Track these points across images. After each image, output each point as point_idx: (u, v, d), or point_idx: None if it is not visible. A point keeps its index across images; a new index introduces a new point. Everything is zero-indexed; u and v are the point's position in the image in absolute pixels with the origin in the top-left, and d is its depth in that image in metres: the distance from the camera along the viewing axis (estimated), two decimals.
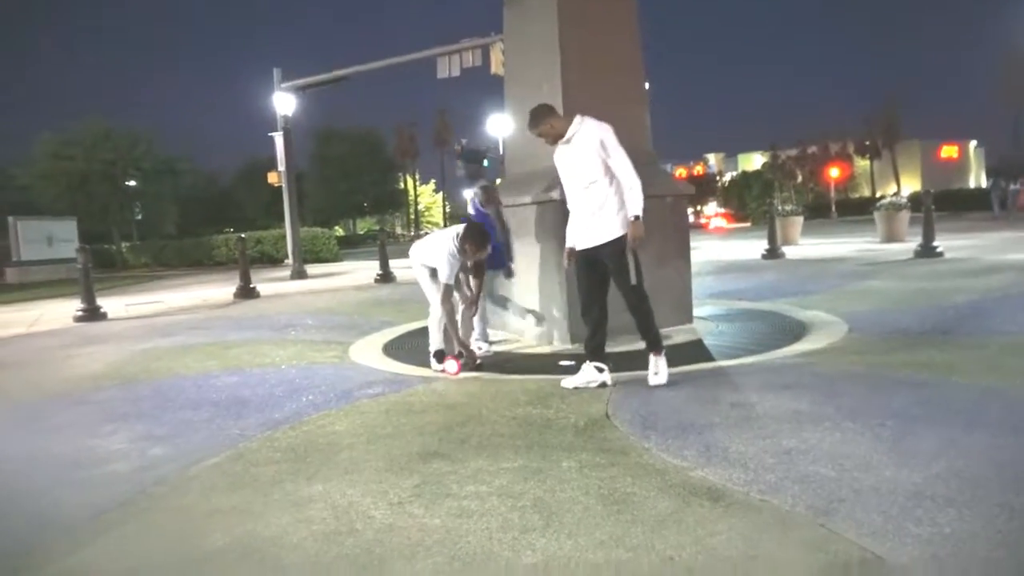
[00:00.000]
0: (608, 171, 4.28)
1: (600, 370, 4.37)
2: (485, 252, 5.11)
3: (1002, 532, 2.17)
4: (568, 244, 4.52)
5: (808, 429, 3.26)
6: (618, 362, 4.85)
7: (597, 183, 4.29)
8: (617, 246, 4.27)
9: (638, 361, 4.56)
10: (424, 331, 7.04)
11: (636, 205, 4.21)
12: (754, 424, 3.40)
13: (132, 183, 35.90)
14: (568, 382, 4.39)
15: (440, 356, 5.12)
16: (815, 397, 3.77)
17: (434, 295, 5.08)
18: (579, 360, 4.87)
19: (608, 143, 4.26)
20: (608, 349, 4.48)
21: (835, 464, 2.81)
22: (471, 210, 6.02)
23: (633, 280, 4.27)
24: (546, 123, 4.43)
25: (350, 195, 54.50)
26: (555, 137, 4.44)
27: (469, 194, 6.35)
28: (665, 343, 4.82)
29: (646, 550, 2.22)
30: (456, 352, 5.02)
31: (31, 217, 30.08)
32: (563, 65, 6.02)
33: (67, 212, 31.84)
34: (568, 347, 5.60)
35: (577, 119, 4.39)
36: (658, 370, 4.32)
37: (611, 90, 6.27)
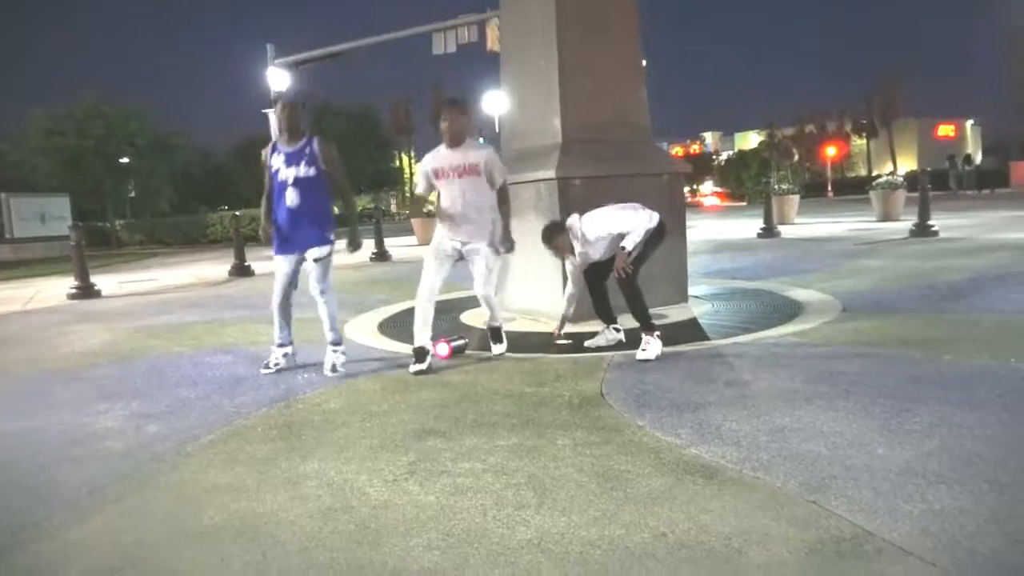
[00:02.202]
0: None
1: (617, 330, 4.83)
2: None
3: (991, 508, 2.20)
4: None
5: (801, 407, 3.28)
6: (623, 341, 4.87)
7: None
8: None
9: (635, 340, 4.57)
10: None
11: (630, 243, 4.39)
12: (748, 402, 3.42)
13: (125, 160, 35.59)
14: (592, 342, 4.82)
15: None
16: (809, 376, 3.79)
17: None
18: (576, 339, 4.91)
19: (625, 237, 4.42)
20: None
21: (828, 442, 2.83)
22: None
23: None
24: (557, 240, 4.60)
25: (345, 172, 54.17)
26: (567, 251, 4.65)
27: None
28: (660, 322, 4.85)
29: (639, 527, 2.24)
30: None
31: (24, 194, 29.87)
32: (560, 42, 5.96)
33: (60, 189, 31.60)
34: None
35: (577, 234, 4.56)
36: (646, 347, 4.41)
37: (608, 67, 6.22)
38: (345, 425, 3.49)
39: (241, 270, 12.62)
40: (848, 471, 2.54)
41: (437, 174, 4.51)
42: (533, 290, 6.02)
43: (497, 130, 21.65)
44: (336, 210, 4.79)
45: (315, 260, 4.51)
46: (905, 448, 2.72)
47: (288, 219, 4.47)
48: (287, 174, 4.43)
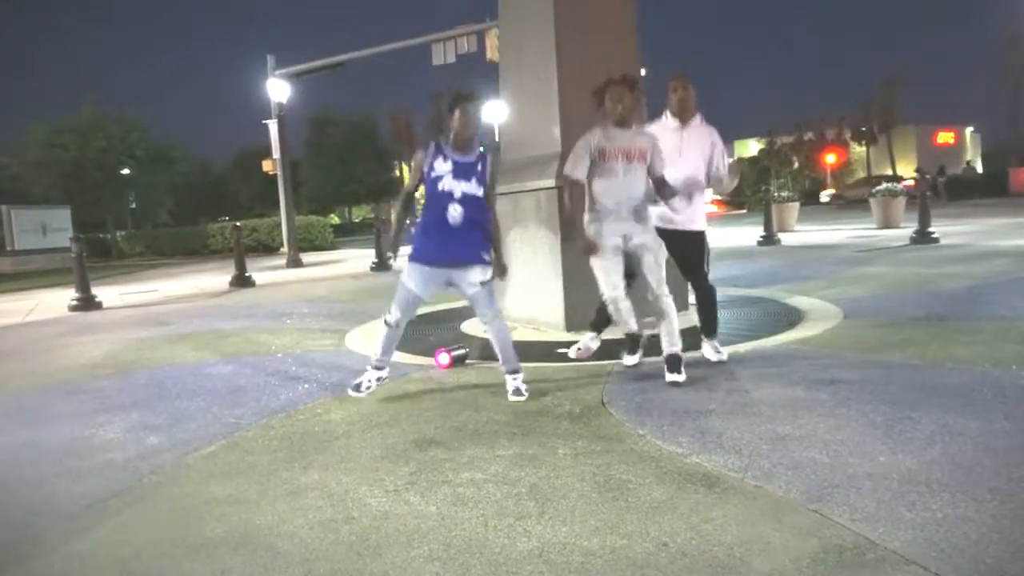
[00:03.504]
0: (704, 169, 4.37)
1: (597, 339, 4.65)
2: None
3: (994, 516, 2.19)
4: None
5: (803, 415, 3.27)
6: (617, 350, 4.87)
7: (698, 177, 4.36)
8: (704, 237, 4.48)
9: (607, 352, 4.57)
10: (420, 319, 7.04)
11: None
12: (749, 410, 3.41)
13: (126, 171, 35.68)
14: (577, 353, 4.64)
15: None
16: (810, 383, 3.79)
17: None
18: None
19: (719, 147, 4.40)
20: (609, 336, 4.58)
21: (829, 450, 2.83)
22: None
23: (707, 267, 4.51)
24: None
25: (346, 182, 54.30)
26: (682, 113, 4.37)
27: None
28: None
29: (641, 536, 2.23)
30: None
31: (25, 206, 29.93)
32: (558, 51, 5.99)
33: (61, 201, 31.69)
34: (564, 335, 5.60)
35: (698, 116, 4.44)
36: (719, 348, 4.51)
37: (607, 76, 6.23)
38: (346, 436, 3.48)
39: (242, 281, 12.62)
40: (850, 479, 2.53)
41: (603, 155, 4.02)
42: (534, 299, 6.02)
43: (497, 139, 21.72)
44: None
45: (481, 283, 3.91)
46: (907, 456, 2.71)
47: (443, 234, 3.87)
48: (453, 186, 3.84)
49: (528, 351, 5.16)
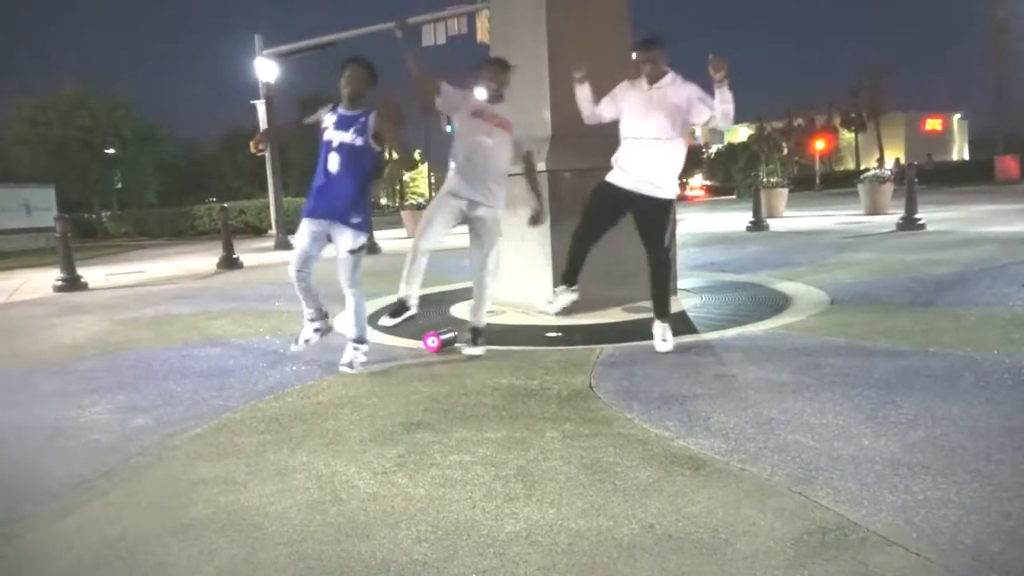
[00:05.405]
0: (683, 134, 4.36)
1: (575, 291, 4.64)
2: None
3: (973, 498, 2.23)
4: (616, 180, 4.45)
5: (788, 399, 3.30)
6: (606, 334, 4.89)
7: (675, 140, 4.35)
8: (671, 207, 4.47)
9: (625, 333, 4.58)
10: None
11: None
12: (736, 395, 3.44)
13: (111, 150, 35.25)
14: (552, 306, 4.73)
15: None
16: (796, 368, 3.82)
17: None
18: (566, 331, 4.91)
19: (707, 101, 4.26)
20: (598, 320, 4.58)
21: (814, 433, 2.86)
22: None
23: (667, 241, 4.45)
24: (662, 56, 4.39)
25: None
26: (653, 76, 4.38)
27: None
28: (649, 315, 4.86)
29: (627, 518, 2.25)
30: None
31: (7, 185, 29.58)
32: (550, 34, 5.96)
33: (44, 179, 31.34)
34: (553, 319, 5.61)
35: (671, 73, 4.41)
36: (666, 337, 4.41)
37: (598, 59, 6.20)
38: (334, 418, 3.48)
39: (229, 262, 12.54)
40: (834, 462, 2.56)
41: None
42: (523, 283, 6.02)
43: None
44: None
45: (349, 252, 4.22)
46: (890, 439, 2.74)
47: (324, 184, 4.21)
48: (333, 136, 4.20)
49: (517, 335, 5.18)
